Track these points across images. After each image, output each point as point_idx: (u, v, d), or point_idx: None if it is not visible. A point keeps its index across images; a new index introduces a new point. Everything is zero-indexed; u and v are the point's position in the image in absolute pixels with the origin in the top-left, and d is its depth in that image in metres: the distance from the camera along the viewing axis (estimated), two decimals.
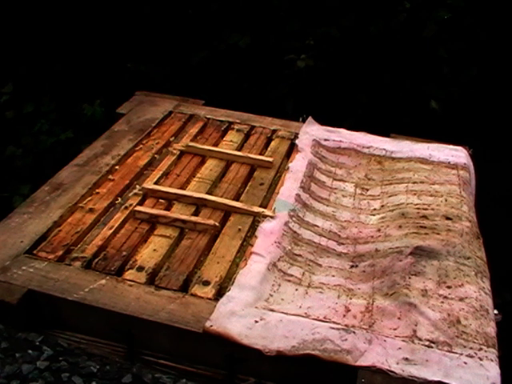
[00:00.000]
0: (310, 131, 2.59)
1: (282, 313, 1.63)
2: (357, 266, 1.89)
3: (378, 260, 1.87)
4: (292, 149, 2.51)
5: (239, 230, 1.99)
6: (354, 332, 1.56)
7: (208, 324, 1.56)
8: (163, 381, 1.54)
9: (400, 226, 2.01)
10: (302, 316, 1.63)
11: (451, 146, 2.53)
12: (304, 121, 2.68)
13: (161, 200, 2.12)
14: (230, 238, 1.95)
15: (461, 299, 1.69)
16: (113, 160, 2.33)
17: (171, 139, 2.54)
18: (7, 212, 2.01)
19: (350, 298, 1.73)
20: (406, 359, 1.50)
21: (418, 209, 2.10)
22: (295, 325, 1.58)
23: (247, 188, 2.24)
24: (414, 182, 2.27)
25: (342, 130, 2.64)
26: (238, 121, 2.71)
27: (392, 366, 1.47)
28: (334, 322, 1.61)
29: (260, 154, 2.46)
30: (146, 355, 1.62)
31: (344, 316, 1.65)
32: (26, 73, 4.03)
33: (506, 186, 3.59)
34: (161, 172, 2.28)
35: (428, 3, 3.49)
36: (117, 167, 2.30)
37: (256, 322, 1.59)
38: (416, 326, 1.59)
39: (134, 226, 1.98)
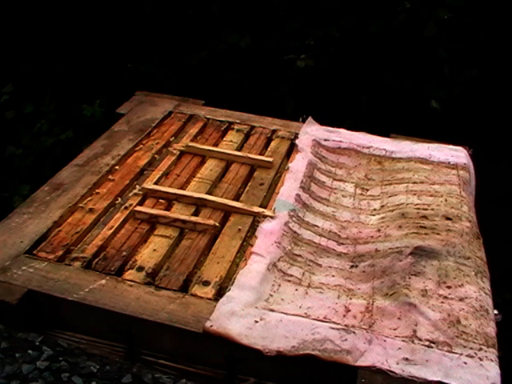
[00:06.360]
0: (310, 131, 2.59)
1: (282, 313, 1.63)
2: (357, 266, 1.89)
3: (378, 260, 1.87)
4: (292, 149, 2.51)
5: (239, 230, 1.99)
6: (354, 332, 1.56)
7: (208, 324, 1.56)
8: (163, 381, 1.54)
9: (400, 226, 2.01)
10: (302, 316, 1.63)
11: (451, 146, 2.53)
12: (304, 121, 2.68)
13: (161, 200, 2.12)
14: (230, 238, 1.95)
15: (461, 299, 1.69)
16: (113, 160, 2.33)
17: (171, 139, 2.54)
18: (7, 212, 2.01)
19: (350, 298, 1.73)
20: (406, 359, 1.49)
21: (418, 209, 2.10)
22: (295, 325, 1.58)
23: (247, 188, 2.24)
24: (414, 182, 2.27)
25: (342, 130, 2.64)
26: (238, 121, 2.71)
27: (392, 366, 1.47)
28: (334, 322, 1.61)
29: (260, 154, 2.46)
30: (146, 355, 1.62)
31: (344, 316, 1.65)
32: (25, 73, 4.03)
33: (505, 186, 3.59)
34: (161, 172, 2.28)
35: (428, 3, 3.48)
36: (117, 167, 2.30)
37: (256, 322, 1.59)
38: (416, 326, 1.59)
39: (134, 226, 1.98)
